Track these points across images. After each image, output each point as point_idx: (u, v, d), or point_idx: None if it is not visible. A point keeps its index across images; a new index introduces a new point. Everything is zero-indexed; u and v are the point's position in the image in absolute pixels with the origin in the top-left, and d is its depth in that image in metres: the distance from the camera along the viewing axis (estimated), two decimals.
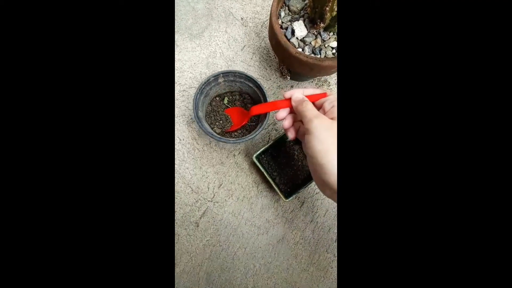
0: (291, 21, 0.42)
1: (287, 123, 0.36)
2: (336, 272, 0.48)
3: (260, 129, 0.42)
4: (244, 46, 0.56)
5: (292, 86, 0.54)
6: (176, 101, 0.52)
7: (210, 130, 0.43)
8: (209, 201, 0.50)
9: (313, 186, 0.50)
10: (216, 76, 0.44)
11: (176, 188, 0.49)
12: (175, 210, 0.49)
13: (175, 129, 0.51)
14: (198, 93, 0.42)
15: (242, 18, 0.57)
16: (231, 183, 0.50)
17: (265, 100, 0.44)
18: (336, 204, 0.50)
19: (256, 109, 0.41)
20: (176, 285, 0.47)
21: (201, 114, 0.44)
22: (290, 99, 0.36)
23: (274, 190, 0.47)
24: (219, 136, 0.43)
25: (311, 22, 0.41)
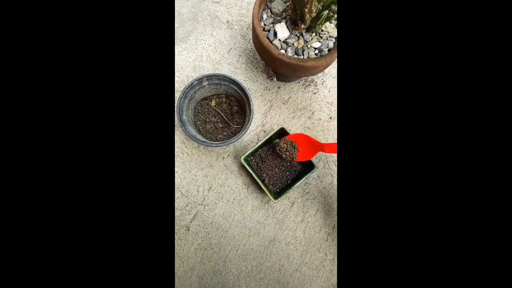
0: (273, 23, 0.43)
1: None
2: (328, 271, 0.48)
3: (243, 132, 0.42)
4: (230, 48, 0.56)
5: (279, 87, 0.54)
6: None
7: (194, 133, 0.43)
8: (199, 204, 0.50)
9: (303, 186, 0.51)
10: (200, 80, 0.44)
11: None
12: None
13: None
14: (182, 96, 0.42)
15: (227, 21, 0.58)
16: (221, 185, 0.50)
17: (249, 103, 0.44)
18: (326, 204, 0.50)
19: (331, 149, 0.42)
20: None
21: (185, 117, 0.44)
22: None
23: (264, 191, 0.47)
24: (202, 140, 0.43)
25: (293, 24, 0.42)
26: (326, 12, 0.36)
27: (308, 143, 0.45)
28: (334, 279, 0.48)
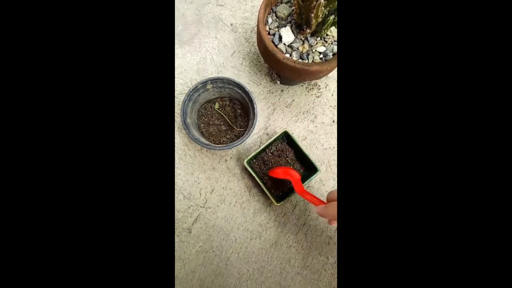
0: (279, 27, 0.43)
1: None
2: (329, 275, 0.48)
3: (247, 136, 0.42)
4: (234, 51, 0.56)
5: (282, 90, 0.55)
6: None
7: (197, 136, 0.43)
8: (201, 207, 0.50)
9: (305, 189, 0.51)
10: (204, 83, 0.44)
11: None
12: None
13: None
14: (186, 99, 0.42)
15: (231, 24, 0.58)
16: (223, 188, 0.50)
17: (253, 106, 0.44)
18: None
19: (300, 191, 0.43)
20: None
21: (189, 120, 0.44)
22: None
23: (266, 194, 0.47)
24: (206, 143, 0.43)
25: (298, 28, 0.42)
26: (332, 17, 0.36)
27: (284, 173, 0.45)
28: (335, 282, 0.48)
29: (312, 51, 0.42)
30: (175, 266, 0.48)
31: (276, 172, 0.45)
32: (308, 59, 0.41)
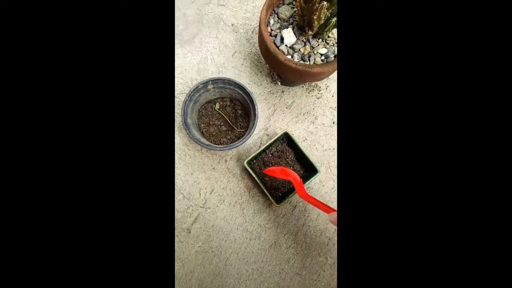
0: (280, 28, 0.43)
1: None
2: (328, 276, 0.49)
3: (248, 136, 0.42)
4: (235, 52, 0.56)
5: (283, 91, 0.55)
6: None
7: (198, 136, 0.43)
8: (200, 207, 0.50)
9: None
10: (205, 83, 0.44)
11: None
12: None
13: None
14: (187, 100, 0.42)
15: (232, 24, 0.58)
16: (223, 188, 0.50)
17: (253, 107, 0.44)
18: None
19: (304, 196, 0.41)
20: None
21: (190, 121, 0.44)
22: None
23: (266, 195, 0.47)
24: (207, 143, 0.43)
25: (300, 30, 0.42)
26: (334, 19, 0.37)
27: (281, 172, 0.44)
28: (334, 283, 0.48)
29: (313, 52, 0.42)
30: (174, 266, 0.48)
31: (273, 171, 0.43)
32: (309, 61, 0.42)
